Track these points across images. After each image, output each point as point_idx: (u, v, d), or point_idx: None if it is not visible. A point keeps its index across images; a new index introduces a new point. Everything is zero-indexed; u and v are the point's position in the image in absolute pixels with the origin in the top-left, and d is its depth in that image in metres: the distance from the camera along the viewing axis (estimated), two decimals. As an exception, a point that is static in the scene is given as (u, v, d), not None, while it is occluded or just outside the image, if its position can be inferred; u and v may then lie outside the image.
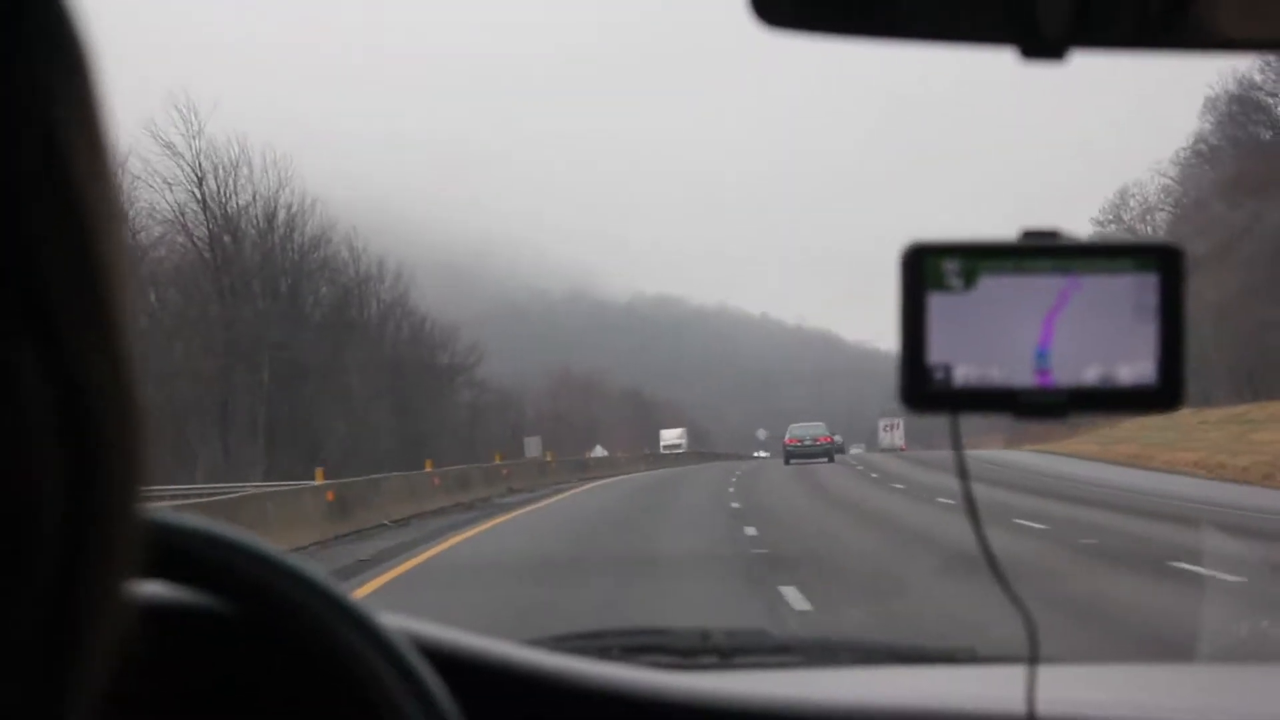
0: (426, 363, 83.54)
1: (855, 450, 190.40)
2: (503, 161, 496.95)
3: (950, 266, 1.18)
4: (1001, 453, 67.03)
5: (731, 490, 36.43)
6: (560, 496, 39.26)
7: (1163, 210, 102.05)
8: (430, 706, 1.23)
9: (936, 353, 1.18)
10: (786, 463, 60.85)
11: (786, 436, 68.10)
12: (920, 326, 1.18)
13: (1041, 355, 1.18)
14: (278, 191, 67.74)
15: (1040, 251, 1.19)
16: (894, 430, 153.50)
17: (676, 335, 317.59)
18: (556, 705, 1.50)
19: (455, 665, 1.39)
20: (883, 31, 1.17)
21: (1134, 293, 1.19)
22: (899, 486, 36.86)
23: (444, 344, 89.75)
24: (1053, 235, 1.20)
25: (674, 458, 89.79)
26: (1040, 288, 1.18)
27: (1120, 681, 2.30)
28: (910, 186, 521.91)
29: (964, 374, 1.18)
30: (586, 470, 57.32)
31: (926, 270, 1.18)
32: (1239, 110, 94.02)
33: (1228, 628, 7.26)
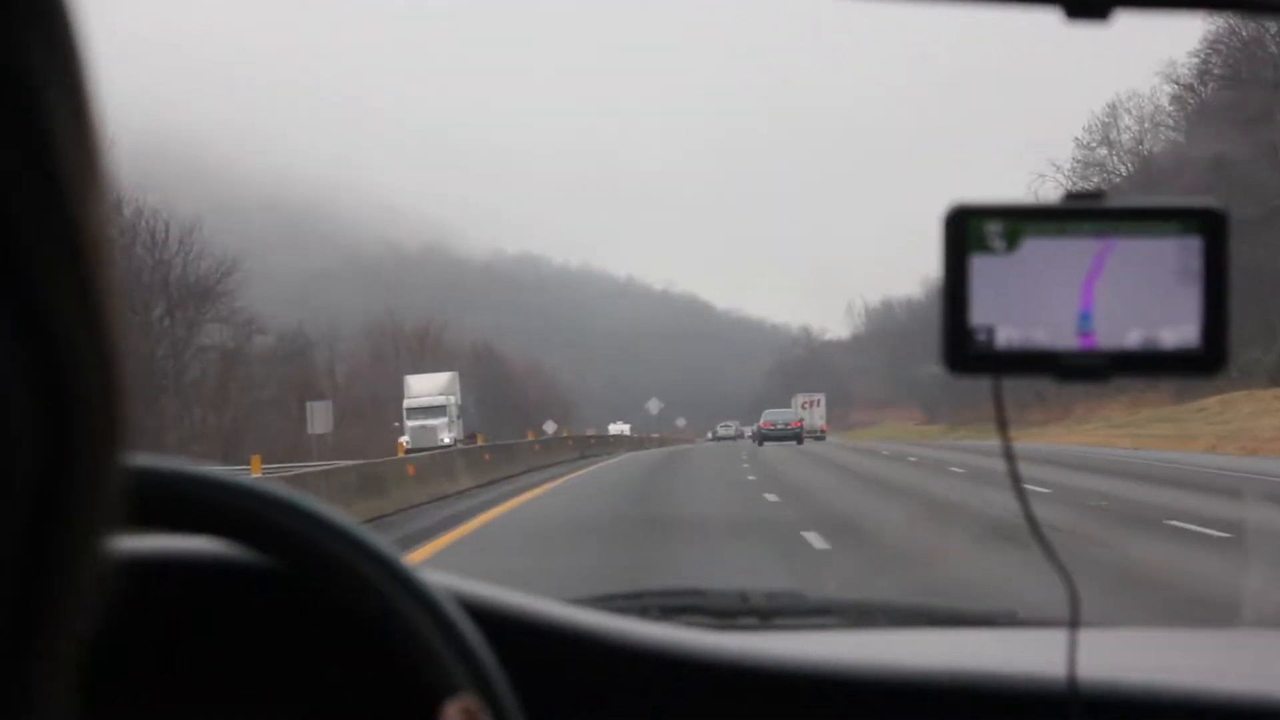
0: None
1: (724, 431, 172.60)
2: (356, 112, 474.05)
3: (993, 228, 1.18)
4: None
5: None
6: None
7: (1167, 128, 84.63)
8: (473, 662, 1.26)
9: (979, 315, 1.18)
10: (759, 444, 68.65)
11: (762, 420, 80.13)
12: (963, 288, 1.18)
13: (1084, 318, 1.18)
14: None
15: (1083, 214, 1.18)
16: (813, 408, 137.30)
17: (538, 295, 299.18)
18: (598, 662, 1.53)
19: (499, 622, 1.42)
20: None
21: (1177, 256, 1.18)
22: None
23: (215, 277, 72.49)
24: (1096, 197, 1.19)
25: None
26: (1083, 250, 1.18)
27: (1162, 646, 2.28)
28: (784, 147, 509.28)
29: (1007, 336, 1.18)
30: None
31: (969, 232, 1.18)
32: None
33: (1272, 592, 7.20)
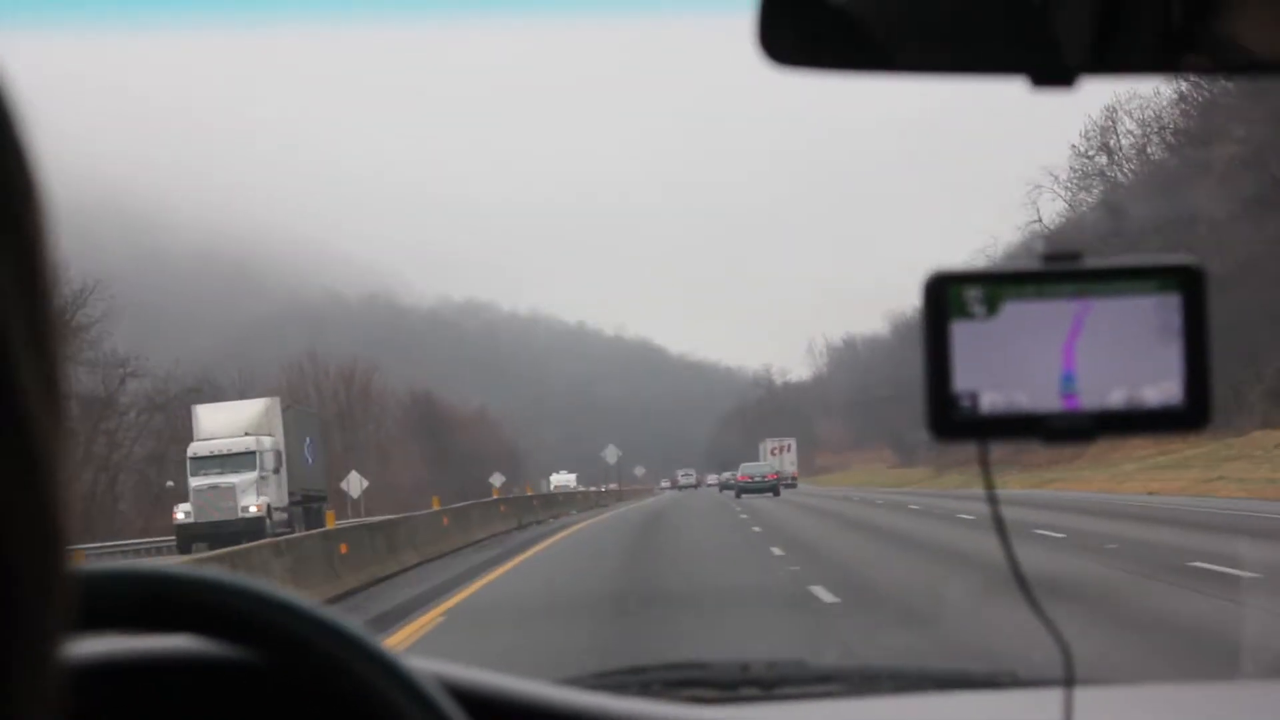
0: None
1: (685, 480, 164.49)
2: (293, 158, 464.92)
3: (973, 294, 1.18)
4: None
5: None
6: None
7: (1174, 130, 76.33)
8: None
9: (962, 380, 1.18)
10: (738, 496, 70.68)
11: (739, 473, 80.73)
12: (944, 355, 1.17)
13: (1068, 379, 1.18)
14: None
15: (1062, 276, 1.18)
16: (783, 454, 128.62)
17: (486, 342, 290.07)
18: None
19: (487, 706, 1.39)
20: (890, 66, 1.17)
21: (1157, 314, 1.18)
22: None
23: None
24: (1074, 258, 1.19)
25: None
26: (1063, 312, 1.18)
27: (1161, 701, 2.32)
28: (736, 189, 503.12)
29: (991, 401, 1.18)
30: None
31: (949, 298, 1.18)
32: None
33: (1272, 642, 7.08)
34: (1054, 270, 1.18)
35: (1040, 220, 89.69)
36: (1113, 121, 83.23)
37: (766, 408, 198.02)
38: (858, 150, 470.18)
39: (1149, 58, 1.17)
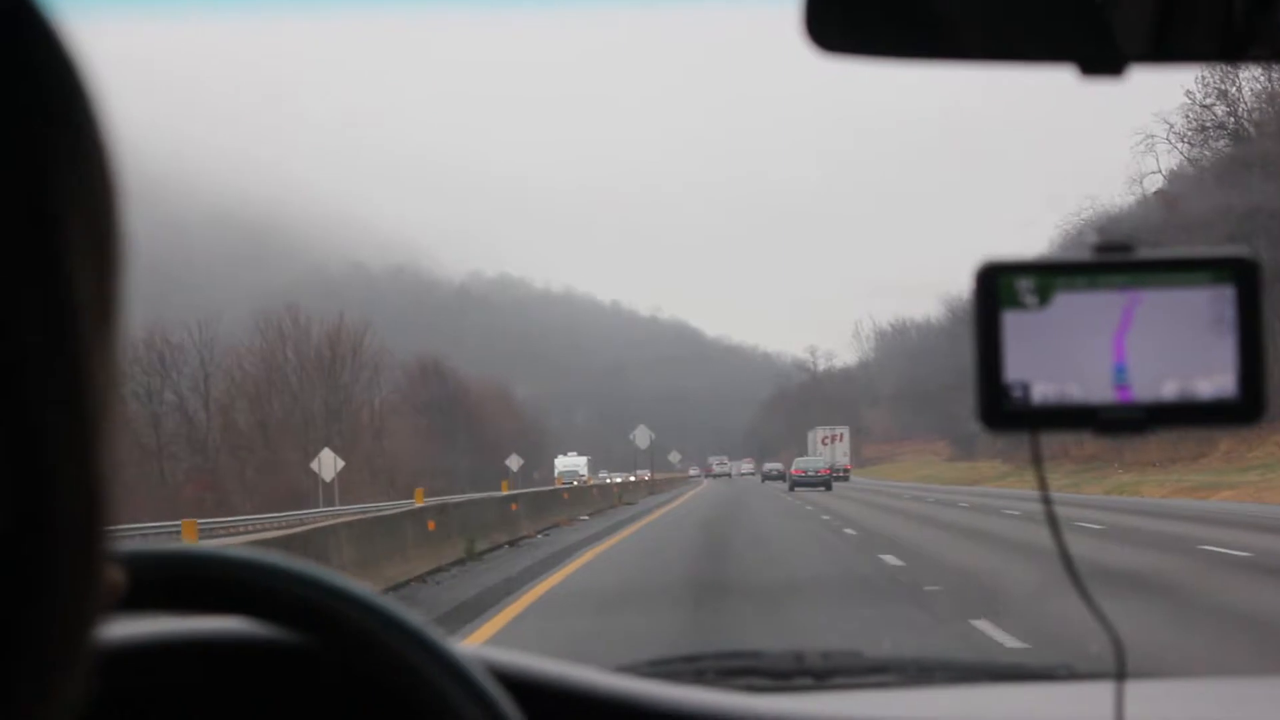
0: None
1: (748, 469, 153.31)
2: (322, 128, 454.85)
3: (1024, 284, 1.19)
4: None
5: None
6: None
7: None
8: None
9: (1013, 371, 1.18)
10: (791, 489, 73.45)
11: (793, 468, 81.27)
12: (996, 345, 1.18)
13: (1120, 371, 1.18)
14: None
15: (1114, 267, 1.19)
16: (835, 443, 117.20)
17: (517, 319, 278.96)
18: None
19: (535, 692, 1.40)
20: (935, 54, 1.19)
21: (1210, 306, 1.18)
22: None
23: None
24: (1126, 249, 1.20)
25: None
26: (1116, 303, 1.19)
27: (1217, 695, 2.31)
28: (782, 175, 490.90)
29: (1042, 391, 1.18)
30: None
31: (1000, 288, 1.18)
32: None
33: None
34: (1106, 261, 1.18)
35: (1159, 170, 79.74)
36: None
37: (810, 394, 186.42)
38: (906, 135, 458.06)
39: (1206, 48, 1.16)
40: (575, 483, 77.07)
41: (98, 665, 0.60)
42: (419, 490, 39.96)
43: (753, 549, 24.22)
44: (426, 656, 1.23)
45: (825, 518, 35.20)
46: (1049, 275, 1.18)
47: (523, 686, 1.35)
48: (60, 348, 0.56)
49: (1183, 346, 1.18)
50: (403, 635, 1.23)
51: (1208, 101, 74.79)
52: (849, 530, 30.18)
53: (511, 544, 26.75)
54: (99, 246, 0.58)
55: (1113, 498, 50.32)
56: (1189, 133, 77.01)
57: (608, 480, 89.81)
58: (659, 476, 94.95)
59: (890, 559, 20.98)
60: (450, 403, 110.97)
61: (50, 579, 0.59)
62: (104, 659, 0.59)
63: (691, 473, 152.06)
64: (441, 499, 31.72)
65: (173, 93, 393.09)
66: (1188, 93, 75.24)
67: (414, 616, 1.25)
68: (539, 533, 30.28)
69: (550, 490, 42.26)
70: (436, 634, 1.25)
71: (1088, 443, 78.31)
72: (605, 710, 1.45)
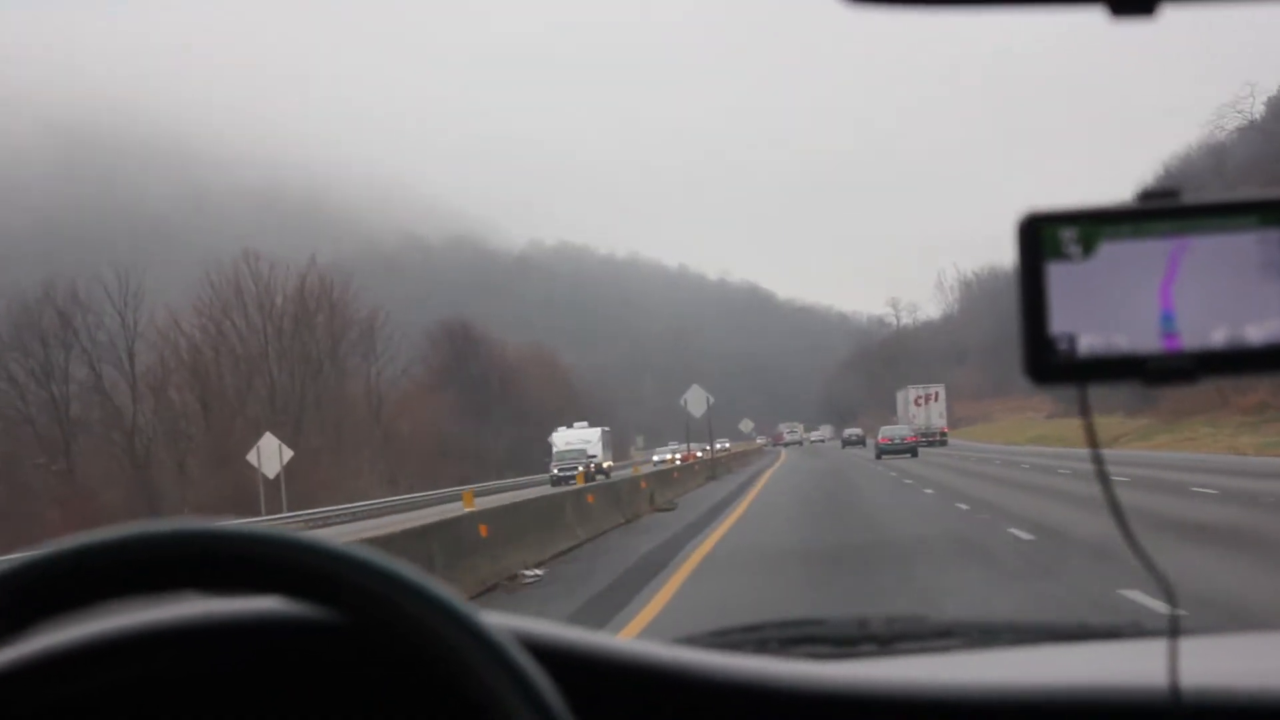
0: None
1: (816, 436, 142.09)
2: (375, 105, 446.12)
3: (1068, 234, 1.16)
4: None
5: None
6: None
7: None
8: (538, 704, 1.21)
9: (1059, 323, 1.16)
10: (878, 457, 73.45)
11: (880, 436, 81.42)
12: (1040, 297, 1.16)
13: (1167, 319, 1.16)
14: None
15: (1159, 214, 1.16)
16: (929, 404, 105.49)
17: (580, 288, 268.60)
18: (684, 699, 1.46)
19: (576, 665, 1.39)
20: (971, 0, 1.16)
21: (1260, 250, 1.16)
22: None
23: None
24: (1171, 195, 1.17)
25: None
26: (1162, 250, 1.16)
27: (1273, 649, 2.26)
28: (834, 134, 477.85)
29: (1089, 343, 1.16)
30: None
31: (1044, 240, 1.16)
32: None
33: None
34: (1151, 208, 1.15)
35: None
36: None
37: (893, 349, 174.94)
38: (987, 83, 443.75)
39: None
40: (582, 468, 61.23)
41: (134, 652, 0.55)
42: (467, 493, 27.69)
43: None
44: (454, 628, 1.21)
45: (984, 516, 24.49)
46: (1093, 225, 1.15)
47: (560, 658, 1.32)
48: None
49: (1231, 292, 1.14)
50: (429, 606, 1.21)
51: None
52: (1019, 532, 20.17)
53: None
54: None
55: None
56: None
57: (669, 457, 77.53)
58: (720, 454, 71.60)
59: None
60: (482, 374, 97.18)
61: None
62: (140, 644, 0.52)
63: (759, 441, 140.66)
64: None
65: (213, 69, 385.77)
66: None
67: (440, 588, 1.23)
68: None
69: (465, 518, 19.14)
70: (465, 605, 1.23)
71: (1249, 390, 67.48)
72: (659, 681, 1.41)
